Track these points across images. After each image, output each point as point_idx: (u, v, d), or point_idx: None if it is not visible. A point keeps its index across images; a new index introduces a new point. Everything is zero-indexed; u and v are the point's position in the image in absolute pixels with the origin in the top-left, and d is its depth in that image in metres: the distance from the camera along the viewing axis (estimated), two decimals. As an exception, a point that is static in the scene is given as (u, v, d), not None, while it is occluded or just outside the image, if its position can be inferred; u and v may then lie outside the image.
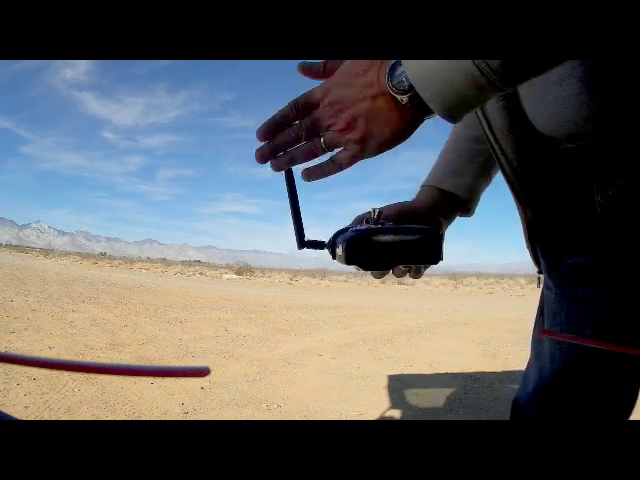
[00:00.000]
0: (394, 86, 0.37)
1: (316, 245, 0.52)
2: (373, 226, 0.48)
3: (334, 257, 0.50)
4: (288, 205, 0.53)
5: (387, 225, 0.48)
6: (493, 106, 0.54)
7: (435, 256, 0.48)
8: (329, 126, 0.42)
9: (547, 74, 0.45)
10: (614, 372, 0.54)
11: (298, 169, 0.51)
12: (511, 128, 0.53)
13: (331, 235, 0.52)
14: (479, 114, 0.57)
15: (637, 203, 0.44)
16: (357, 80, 0.39)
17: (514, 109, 0.52)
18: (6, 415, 0.32)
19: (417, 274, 0.60)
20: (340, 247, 0.47)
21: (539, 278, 0.60)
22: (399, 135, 0.41)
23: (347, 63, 0.41)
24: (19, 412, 1.89)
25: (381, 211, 0.50)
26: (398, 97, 0.38)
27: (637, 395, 0.56)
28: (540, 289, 0.61)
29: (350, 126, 0.41)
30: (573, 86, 0.44)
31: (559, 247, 0.53)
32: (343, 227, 0.52)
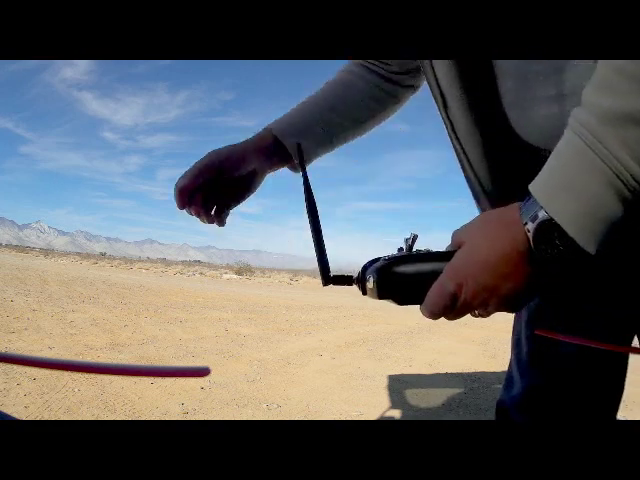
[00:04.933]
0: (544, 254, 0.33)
1: (343, 281, 0.47)
2: (407, 253, 0.42)
3: (364, 292, 0.43)
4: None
5: (424, 251, 0.42)
6: (458, 108, 0.52)
7: None
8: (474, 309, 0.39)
9: (546, 89, 0.44)
10: (596, 369, 0.55)
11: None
12: (476, 132, 0.52)
13: (360, 267, 0.45)
14: (443, 115, 0.55)
15: None
16: (500, 269, 0.34)
17: (481, 113, 0.50)
18: (6, 415, 0.32)
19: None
20: (370, 280, 0.41)
21: None
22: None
23: (469, 254, 0.36)
24: (19, 412, 1.88)
25: (416, 235, 0.43)
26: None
27: (622, 392, 0.57)
28: None
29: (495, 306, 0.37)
30: (575, 104, 0.43)
31: None
32: (373, 258, 0.44)
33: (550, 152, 0.45)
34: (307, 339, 4.42)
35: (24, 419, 1.76)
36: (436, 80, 0.53)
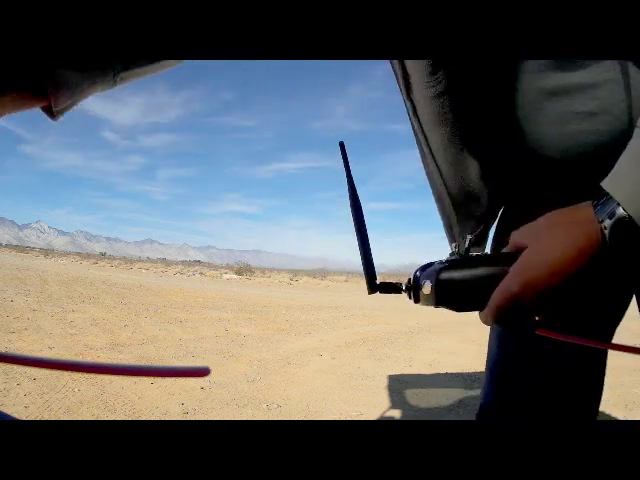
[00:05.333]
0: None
1: (391, 288, 0.44)
2: (466, 256, 0.39)
3: (417, 300, 0.40)
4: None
5: (482, 254, 0.39)
6: (423, 92, 0.48)
7: None
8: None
9: (577, 106, 0.43)
10: (576, 368, 0.55)
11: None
12: (443, 122, 0.49)
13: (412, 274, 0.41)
14: (404, 96, 0.52)
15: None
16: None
17: (452, 105, 0.48)
18: (6, 415, 0.32)
19: None
20: (427, 285, 0.38)
21: None
22: None
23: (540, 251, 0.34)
24: (19, 412, 1.88)
25: (472, 239, 0.41)
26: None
27: (601, 391, 0.57)
28: None
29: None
30: (605, 122, 0.42)
31: None
32: (425, 263, 0.42)
33: (561, 162, 0.44)
34: (307, 339, 4.41)
35: (24, 419, 1.76)
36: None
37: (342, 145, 0.46)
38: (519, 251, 0.35)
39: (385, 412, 2.34)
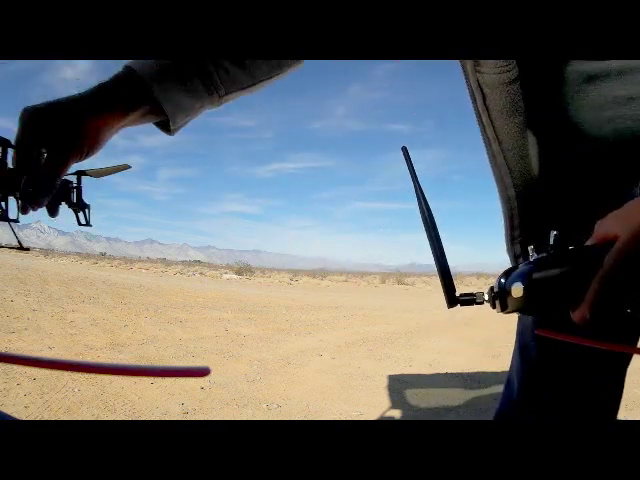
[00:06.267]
0: None
1: (471, 300, 0.41)
2: (554, 253, 0.36)
3: (504, 307, 0.37)
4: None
5: (569, 250, 0.35)
6: (497, 78, 0.46)
7: None
8: None
9: (616, 91, 0.42)
10: (598, 370, 0.55)
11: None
12: (517, 111, 0.47)
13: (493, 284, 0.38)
14: (472, 84, 0.50)
15: None
16: None
17: (528, 92, 0.46)
18: (6, 415, 0.32)
19: None
20: (518, 287, 0.35)
21: None
22: None
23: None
24: (19, 412, 1.89)
25: (557, 234, 0.37)
26: None
27: (622, 391, 0.57)
28: None
29: None
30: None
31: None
32: (507, 268, 0.39)
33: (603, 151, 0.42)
34: (307, 339, 4.41)
35: (24, 419, 1.76)
36: None
37: (405, 150, 0.43)
38: (609, 242, 0.32)
39: (385, 412, 2.34)
